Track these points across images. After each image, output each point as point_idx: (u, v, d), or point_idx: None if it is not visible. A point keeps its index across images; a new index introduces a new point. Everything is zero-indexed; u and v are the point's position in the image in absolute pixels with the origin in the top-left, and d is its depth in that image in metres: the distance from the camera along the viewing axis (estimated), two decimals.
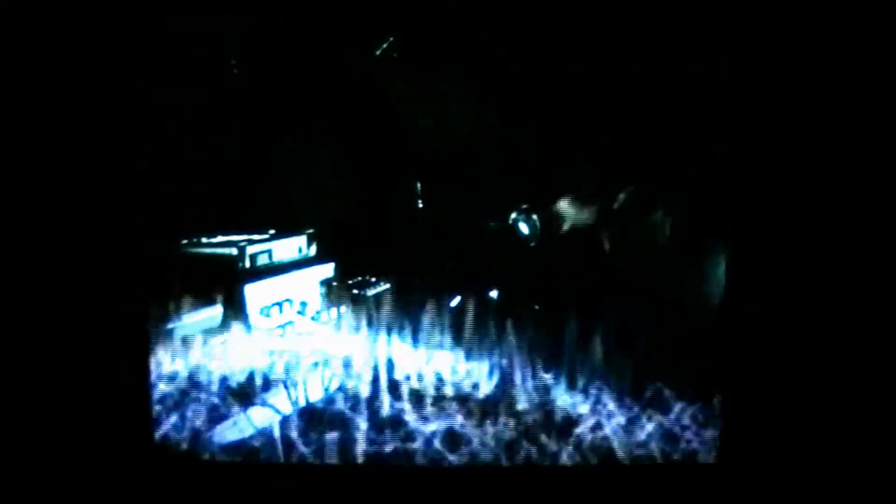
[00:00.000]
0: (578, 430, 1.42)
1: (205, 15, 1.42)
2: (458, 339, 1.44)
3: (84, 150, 1.36)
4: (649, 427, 1.40)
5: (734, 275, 1.36)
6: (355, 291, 1.48)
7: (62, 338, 1.37)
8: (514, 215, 1.44)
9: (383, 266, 1.48)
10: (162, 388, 1.42)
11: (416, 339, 1.46)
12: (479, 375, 1.44)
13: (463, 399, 1.44)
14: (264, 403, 1.44)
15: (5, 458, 1.36)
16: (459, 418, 1.43)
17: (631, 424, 1.41)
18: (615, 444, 1.41)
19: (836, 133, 1.31)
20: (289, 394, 1.45)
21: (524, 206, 1.44)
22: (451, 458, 1.45)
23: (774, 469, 1.35)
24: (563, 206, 1.43)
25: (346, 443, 1.45)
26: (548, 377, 1.42)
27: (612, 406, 1.41)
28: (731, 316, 1.36)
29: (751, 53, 1.33)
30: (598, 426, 1.41)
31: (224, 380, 1.43)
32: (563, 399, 1.42)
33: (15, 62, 1.34)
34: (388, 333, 1.46)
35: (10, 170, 1.36)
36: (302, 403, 1.45)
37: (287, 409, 1.45)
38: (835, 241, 1.32)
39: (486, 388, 1.44)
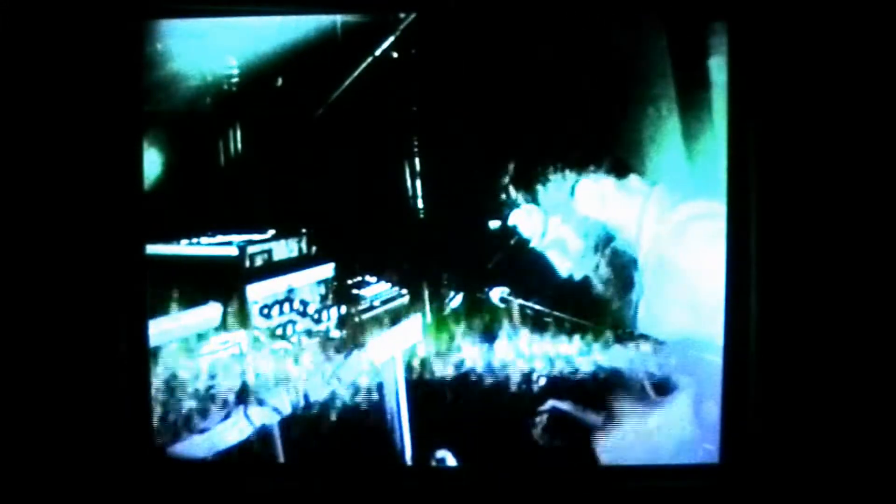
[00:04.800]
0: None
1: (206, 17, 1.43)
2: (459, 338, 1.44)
3: (85, 150, 1.37)
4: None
5: (733, 274, 1.36)
6: (355, 291, 1.48)
7: (60, 338, 1.37)
8: (513, 214, 1.43)
9: (383, 266, 1.48)
10: (161, 388, 1.42)
11: (415, 338, 1.46)
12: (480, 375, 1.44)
13: (467, 400, 1.44)
14: (264, 403, 1.44)
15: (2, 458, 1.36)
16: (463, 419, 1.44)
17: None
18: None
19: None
20: (289, 394, 1.45)
21: (526, 205, 1.43)
22: (453, 461, 1.45)
23: (778, 471, 1.35)
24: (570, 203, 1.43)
25: (346, 443, 1.45)
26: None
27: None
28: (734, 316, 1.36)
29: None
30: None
31: (223, 380, 1.43)
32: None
33: (15, 62, 1.35)
34: (388, 333, 1.46)
35: (11, 169, 1.36)
36: (302, 403, 1.45)
37: (287, 409, 1.45)
38: (837, 237, 1.32)
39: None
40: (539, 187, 1.42)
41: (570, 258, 1.43)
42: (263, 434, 1.45)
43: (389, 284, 1.48)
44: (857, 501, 1.32)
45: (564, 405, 1.42)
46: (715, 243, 1.37)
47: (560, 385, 1.42)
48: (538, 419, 1.42)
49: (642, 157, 1.40)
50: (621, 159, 1.40)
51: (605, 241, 1.42)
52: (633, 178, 1.41)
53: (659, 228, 1.40)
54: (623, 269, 1.41)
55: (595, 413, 1.42)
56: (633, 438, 1.41)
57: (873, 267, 1.31)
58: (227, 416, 1.43)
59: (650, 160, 1.40)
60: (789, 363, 1.33)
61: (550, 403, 1.42)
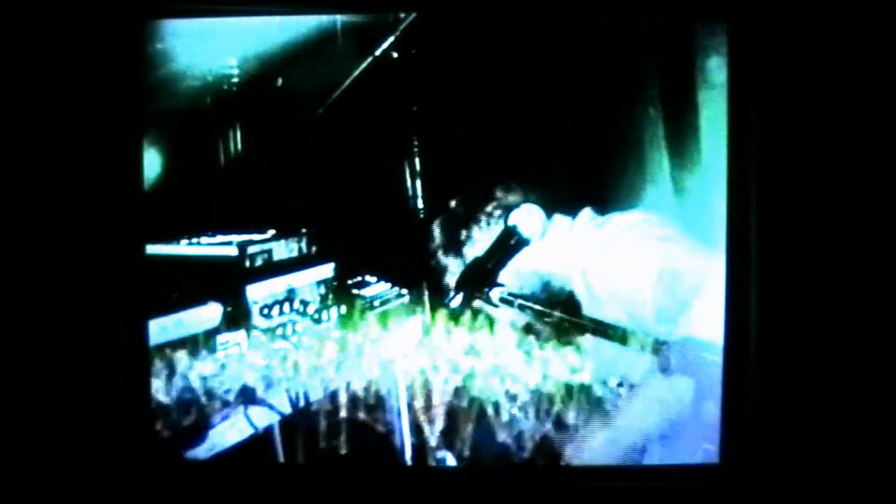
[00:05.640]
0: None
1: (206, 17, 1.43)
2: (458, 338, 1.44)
3: (85, 149, 1.37)
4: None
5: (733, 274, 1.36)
6: (355, 291, 1.48)
7: (61, 338, 1.37)
8: (513, 214, 1.43)
9: (383, 266, 1.48)
10: (161, 388, 1.42)
11: (415, 338, 1.46)
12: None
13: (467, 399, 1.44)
14: (264, 403, 1.44)
15: (2, 458, 1.36)
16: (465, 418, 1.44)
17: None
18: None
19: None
20: (289, 394, 1.45)
21: (526, 205, 1.43)
22: (453, 460, 1.45)
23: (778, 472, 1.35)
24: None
25: (346, 443, 1.45)
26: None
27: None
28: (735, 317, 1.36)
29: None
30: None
31: (223, 380, 1.43)
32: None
33: (16, 62, 1.35)
34: (388, 333, 1.46)
35: (11, 169, 1.36)
36: (302, 403, 1.45)
37: (287, 409, 1.45)
38: (836, 237, 1.32)
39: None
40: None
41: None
42: (263, 434, 1.45)
43: (389, 284, 1.48)
44: (857, 501, 1.32)
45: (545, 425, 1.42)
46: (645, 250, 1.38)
47: (556, 385, 1.42)
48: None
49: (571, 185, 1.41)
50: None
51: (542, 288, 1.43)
52: (557, 217, 1.42)
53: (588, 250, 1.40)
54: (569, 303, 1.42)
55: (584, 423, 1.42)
56: (634, 438, 1.41)
57: (873, 267, 1.31)
58: (227, 416, 1.43)
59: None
60: (789, 363, 1.33)
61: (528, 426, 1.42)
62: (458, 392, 1.44)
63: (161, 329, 1.41)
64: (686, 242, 1.38)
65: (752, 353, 1.34)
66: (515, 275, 1.44)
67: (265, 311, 1.46)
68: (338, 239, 1.49)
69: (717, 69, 1.37)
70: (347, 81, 1.43)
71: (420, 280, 1.46)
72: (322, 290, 1.50)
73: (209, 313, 1.43)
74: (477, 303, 1.45)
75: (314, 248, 1.50)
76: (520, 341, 1.42)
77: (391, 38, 1.42)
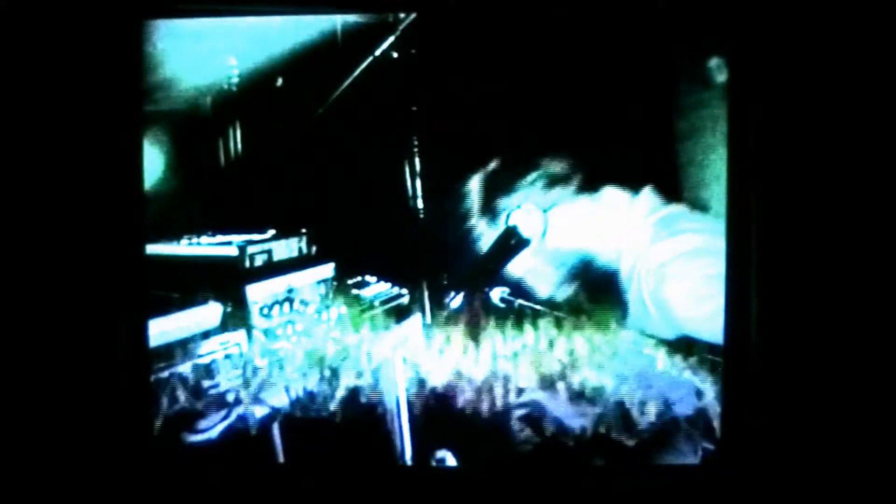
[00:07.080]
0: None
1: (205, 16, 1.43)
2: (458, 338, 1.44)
3: (85, 150, 1.37)
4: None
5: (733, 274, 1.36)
6: (355, 291, 1.48)
7: (61, 338, 1.37)
8: (513, 215, 1.43)
9: (383, 266, 1.48)
10: (161, 387, 1.42)
11: (415, 338, 1.46)
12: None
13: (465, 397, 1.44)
14: (263, 403, 1.44)
15: (3, 458, 1.36)
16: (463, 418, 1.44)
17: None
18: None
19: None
20: (288, 393, 1.45)
21: (526, 206, 1.43)
22: (453, 460, 1.45)
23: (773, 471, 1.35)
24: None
25: (346, 443, 1.45)
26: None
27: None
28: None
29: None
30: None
31: (223, 380, 1.43)
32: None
33: (15, 62, 1.35)
34: (388, 333, 1.46)
35: (11, 169, 1.36)
36: (301, 403, 1.45)
37: (286, 408, 1.45)
38: (835, 238, 1.32)
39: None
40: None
41: (546, 284, 1.43)
42: (263, 434, 1.45)
43: (389, 284, 1.49)
44: (856, 500, 1.32)
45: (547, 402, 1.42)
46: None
47: (555, 385, 1.42)
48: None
49: (632, 162, 1.41)
50: (605, 166, 1.41)
51: (582, 268, 1.42)
52: (607, 191, 1.41)
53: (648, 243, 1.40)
54: (607, 286, 1.41)
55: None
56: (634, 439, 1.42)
57: (872, 267, 1.31)
58: (226, 416, 1.43)
59: (639, 164, 1.41)
60: (789, 362, 1.33)
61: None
62: (457, 391, 1.44)
63: (161, 329, 1.41)
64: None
65: (752, 353, 1.34)
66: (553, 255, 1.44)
67: (265, 311, 1.46)
68: (338, 239, 1.49)
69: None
70: (347, 81, 1.43)
71: (420, 280, 1.46)
72: (322, 290, 1.50)
73: (209, 313, 1.43)
74: (477, 303, 1.45)
75: (314, 248, 1.50)
76: (520, 341, 1.43)
77: (391, 38, 1.43)
